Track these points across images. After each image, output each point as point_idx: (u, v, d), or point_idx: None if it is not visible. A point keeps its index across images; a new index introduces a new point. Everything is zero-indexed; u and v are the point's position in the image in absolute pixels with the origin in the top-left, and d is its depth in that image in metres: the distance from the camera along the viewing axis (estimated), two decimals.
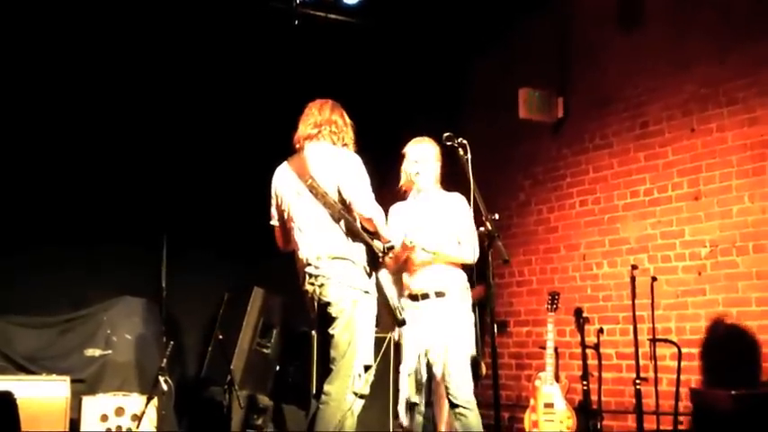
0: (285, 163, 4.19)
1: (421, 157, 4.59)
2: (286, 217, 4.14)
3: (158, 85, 6.77)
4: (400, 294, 4.58)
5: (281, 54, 6.94)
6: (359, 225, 4.00)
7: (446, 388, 4.39)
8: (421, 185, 4.61)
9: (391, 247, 4.02)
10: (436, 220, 4.52)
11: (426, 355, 4.43)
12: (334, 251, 3.95)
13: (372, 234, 4.03)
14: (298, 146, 4.18)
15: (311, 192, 4.00)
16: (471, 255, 4.47)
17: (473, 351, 4.46)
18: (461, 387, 4.34)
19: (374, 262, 4.04)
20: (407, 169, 4.63)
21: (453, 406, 4.36)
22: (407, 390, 4.42)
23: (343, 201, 4.00)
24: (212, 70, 6.94)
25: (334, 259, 3.94)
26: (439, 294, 4.44)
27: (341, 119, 4.19)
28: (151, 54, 6.71)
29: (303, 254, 4.02)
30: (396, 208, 4.67)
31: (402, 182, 4.69)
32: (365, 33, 7.15)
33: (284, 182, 4.13)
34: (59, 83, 6.51)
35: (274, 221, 4.24)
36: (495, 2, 7.17)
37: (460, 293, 4.49)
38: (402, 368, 4.49)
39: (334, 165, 4.04)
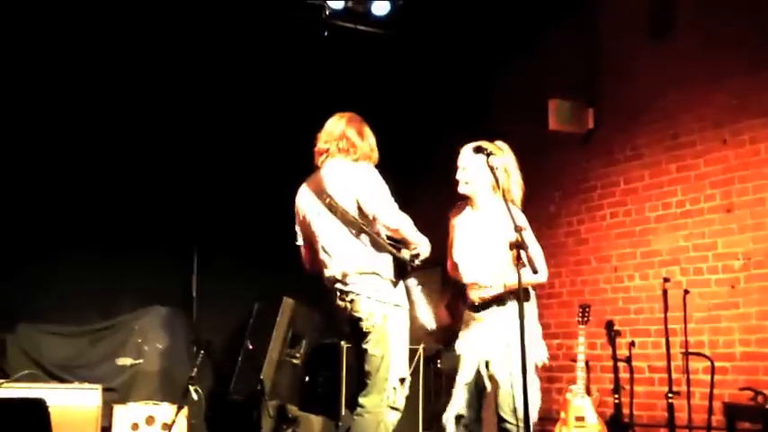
0: (304, 183, 4.18)
1: (467, 165, 4.27)
2: (310, 238, 4.14)
3: (190, 96, 6.84)
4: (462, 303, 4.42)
5: (310, 65, 6.99)
6: (383, 237, 3.97)
7: (496, 399, 4.16)
8: (470, 196, 4.31)
9: (417, 255, 3.97)
10: (495, 243, 4.15)
11: (487, 366, 4.22)
12: (360, 267, 3.93)
13: (398, 243, 3.99)
14: (317, 163, 4.17)
15: (330, 210, 3.97)
16: (543, 275, 4.15)
17: (543, 359, 4.23)
18: (508, 397, 4.11)
19: (402, 272, 4.02)
20: (461, 177, 4.30)
21: (501, 420, 4.18)
22: (461, 401, 4.25)
23: (363, 216, 3.96)
24: (243, 82, 7.01)
25: (361, 275, 3.93)
26: (499, 304, 4.22)
27: (355, 133, 4.09)
28: (184, 66, 6.79)
29: (331, 272, 4.01)
30: (457, 221, 4.38)
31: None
32: (394, 45, 7.17)
33: (304, 202, 4.13)
34: (95, 94, 6.62)
35: (300, 241, 4.23)
36: (523, 12, 7.16)
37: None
38: (459, 378, 4.31)
39: (350, 181, 3.99)
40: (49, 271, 6.38)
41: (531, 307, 4.27)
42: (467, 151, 4.29)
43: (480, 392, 4.27)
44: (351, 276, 3.94)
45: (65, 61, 6.49)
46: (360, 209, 3.96)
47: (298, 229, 4.22)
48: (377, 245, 3.95)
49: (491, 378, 4.20)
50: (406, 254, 3.96)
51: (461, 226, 4.38)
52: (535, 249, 4.10)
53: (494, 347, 4.19)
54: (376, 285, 3.94)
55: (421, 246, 3.98)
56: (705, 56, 6.19)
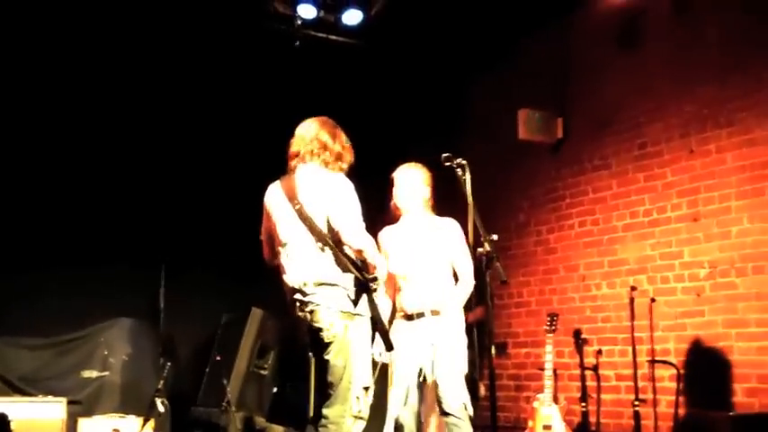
0: (278, 182, 4.13)
1: (406, 182, 4.63)
2: (273, 236, 4.09)
3: (157, 108, 6.80)
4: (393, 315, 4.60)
5: (281, 75, 6.97)
6: (347, 253, 3.92)
7: (438, 397, 4.40)
8: (407, 210, 4.64)
9: (374, 278, 3.94)
10: (427, 246, 4.53)
11: (419, 373, 4.43)
12: (320, 277, 3.88)
13: (361, 262, 3.95)
14: (289, 166, 4.13)
15: (299, 216, 3.94)
16: (470, 283, 4.54)
17: (466, 366, 4.48)
18: (454, 396, 4.36)
19: (364, 287, 3.98)
20: (394, 193, 4.67)
21: (445, 414, 4.38)
22: (397, 408, 4.43)
23: (330, 229, 3.91)
24: (212, 92, 6.98)
25: (321, 285, 3.88)
26: (434, 312, 4.43)
27: (329, 137, 4.06)
28: (151, 77, 6.74)
29: (290, 279, 3.96)
30: (386, 233, 4.66)
31: (392, 206, 4.71)
32: (365, 55, 7.17)
33: (275, 202, 4.08)
34: (63, 111, 6.57)
35: (263, 236, 4.18)
36: (494, 23, 7.18)
37: (454, 310, 4.50)
38: (393, 387, 4.47)
39: (323, 191, 3.94)
40: (16, 285, 6.30)
41: (459, 320, 4.53)
42: (407, 169, 4.66)
43: (419, 399, 4.48)
44: (309, 286, 3.89)
45: (36, 82, 6.44)
46: (328, 221, 3.93)
47: (264, 224, 4.17)
48: (339, 260, 3.91)
49: (419, 385, 4.46)
50: (365, 276, 3.93)
51: (396, 237, 4.64)
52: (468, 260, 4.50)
53: (427, 354, 4.44)
54: (336, 296, 3.88)
55: (378, 269, 3.94)
56: (673, 66, 6.24)
